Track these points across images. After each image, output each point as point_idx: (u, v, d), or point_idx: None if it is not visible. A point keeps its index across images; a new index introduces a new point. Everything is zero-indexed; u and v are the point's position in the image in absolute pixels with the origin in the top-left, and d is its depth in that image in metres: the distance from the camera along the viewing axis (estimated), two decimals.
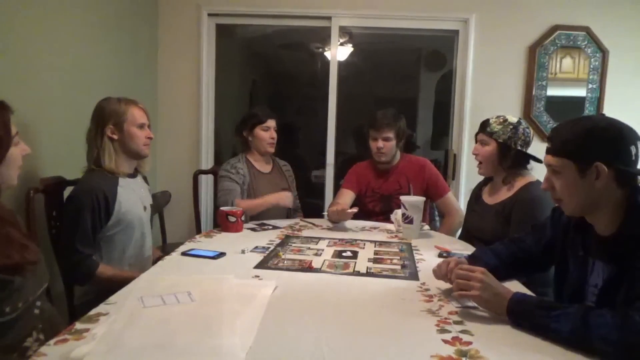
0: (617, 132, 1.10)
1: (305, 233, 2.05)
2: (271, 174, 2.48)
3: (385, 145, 2.38)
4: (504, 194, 1.88)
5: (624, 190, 1.12)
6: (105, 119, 1.74)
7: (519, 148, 1.86)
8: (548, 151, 1.19)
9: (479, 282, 1.15)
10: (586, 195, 1.13)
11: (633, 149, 1.08)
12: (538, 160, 1.87)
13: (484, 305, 1.15)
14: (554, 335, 1.00)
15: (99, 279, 1.66)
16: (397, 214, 2.23)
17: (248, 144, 2.45)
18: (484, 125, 1.93)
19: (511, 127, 1.86)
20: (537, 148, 1.95)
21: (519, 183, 1.85)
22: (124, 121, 1.75)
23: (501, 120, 1.89)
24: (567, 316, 1.00)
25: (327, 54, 3.36)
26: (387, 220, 2.30)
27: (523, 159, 1.88)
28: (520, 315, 1.08)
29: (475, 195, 2.08)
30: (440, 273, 1.35)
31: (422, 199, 2.04)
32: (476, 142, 1.98)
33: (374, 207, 2.48)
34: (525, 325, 1.06)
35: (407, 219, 1.99)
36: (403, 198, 2.01)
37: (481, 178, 2.11)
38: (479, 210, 2.00)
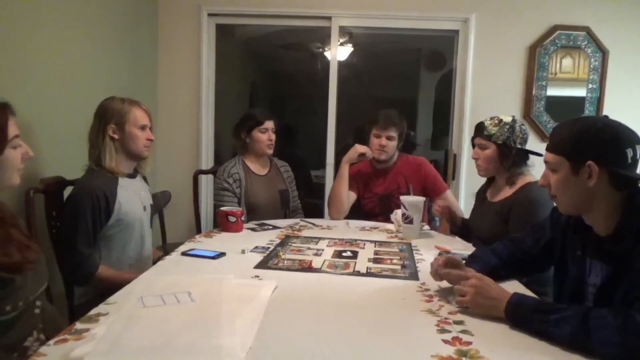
0: (613, 134, 1.09)
1: (305, 233, 2.05)
2: (268, 175, 2.47)
3: (388, 144, 2.39)
4: (505, 192, 1.88)
5: (622, 193, 1.11)
6: (107, 118, 1.74)
7: (519, 146, 1.86)
8: (547, 148, 1.21)
9: (472, 288, 1.15)
10: (579, 193, 1.14)
11: (629, 152, 1.07)
12: (538, 154, 1.87)
13: (480, 311, 1.14)
14: (554, 339, 1.00)
15: (99, 280, 1.66)
16: (397, 214, 2.23)
17: (246, 146, 2.43)
18: (480, 128, 1.93)
19: (507, 126, 1.86)
20: (537, 148, 1.95)
21: (520, 182, 1.86)
22: (125, 121, 1.75)
23: (496, 121, 1.88)
24: (566, 320, 1.00)
25: (327, 54, 3.36)
26: (387, 220, 2.30)
27: (523, 156, 1.88)
28: (518, 320, 1.08)
29: (480, 197, 2.08)
30: (431, 270, 1.36)
31: (422, 198, 2.04)
32: (473, 146, 1.99)
33: (373, 208, 2.49)
34: (524, 330, 1.06)
35: (407, 219, 1.99)
36: (403, 198, 2.01)
37: (482, 178, 2.10)
38: (481, 209, 2.00)
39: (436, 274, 1.33)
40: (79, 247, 1.64)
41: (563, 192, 1.18)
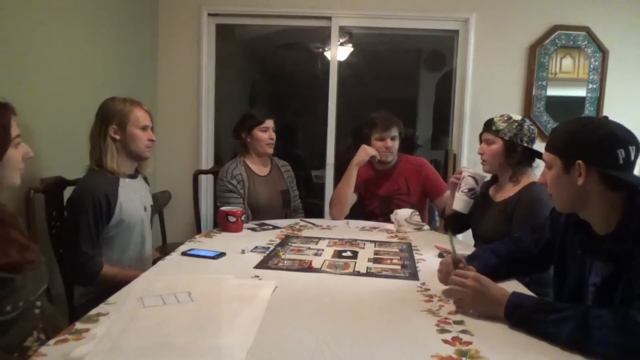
0: (604, 134, 1.10)
1: (305, 233, 2.05)
2: (269, 176, 2.46)
3: (393, 144, 2.40)
4: (509, 191, 1.88)
5: (619, 193, 1.11)
6: (108, 119, 1.73)
7: (525, 144, 1.86)
8: (545, 146, 1.23)
9: (471, 290, 1.15)
10: (570, 192, 1.15)
11: (621, 152, 1.07)
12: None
13: (479, 311, 1.15)
14: (553, 339, 1.00)
15: (104, 279, 1.66)
16: (396, 214, 2.23)
17: (246, 146, 2.43)
18: (489, 124, 1.93)
19: (516, 124, 1.86)
20: (536, 148, 1.95)
21: (524, 181, 1.85)
22: (127, 122, 1.74)
23: (505, 118, 1.89)
24: (566, 320, 1.00)
25: (327, 54, 3.36)
26: (388, 220, 2.30)
27: (529, 156, 1.88)
28: (518, 320, 1.08)
29: (482, 194, 2.07)
30: (443, 277, 1.35)
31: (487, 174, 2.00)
32: (480, 142, 1.98)
33: (374, 209, 2.49)
34: (523, 330, 1.06)
35: (473, 194, 1.95)
36: (474, 172, 1.96)
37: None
38: (483, 208, 2.00)
39: (445, 279, 1.33)
40: (83, 249, 1.64)
41: (556, 190, 1.19)
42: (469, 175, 1.96)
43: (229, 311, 1.13)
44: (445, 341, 1.01)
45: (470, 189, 1.97)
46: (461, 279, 1.19)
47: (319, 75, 3.66)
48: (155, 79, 3.16)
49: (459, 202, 1.98)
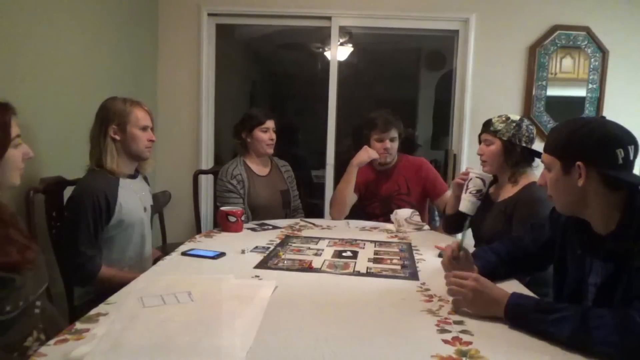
0: (603, 135, 1.10)
1: (305, 233, 2.05)
2: (269, 176, 2.46)
3: (392, 145, 2.39)
4: (509, 191, 1.88)
5: (619, 193, 1.11)
6: (109, 119, 1.73)
7: (524, 145, 1.86)
8: (543, 148, 1.23)
9: (471, 291, 1.15)
10: (570, 193, 1.15)
11: (620, 152, 1.07)
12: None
13: (479, 312, 1.15)
14: (553, 339, 1.00)
15: (101, 281, 1.66)
16: (396, 214, 2.23)
17: (246, 146, 2.43)
18: (487, 125, 1.93)
19: (514, 124, 1.86)
20: (536, 148, 1.95)
21: (523, 182, 1.85)
22: (127, 122, 1.74)
23: (504, 118, 1.89)
24: (565, 320, 1.00)
25: (327, 54, 3.36)
26: (388, 221, 2.30)
27: (528, 156, 1.88)
28: (518, 321, 1.08)
29: None
30: (446, 260, 1.40)
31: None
32: (480, 142, 1.98)
33: (374, 210, 2.49)
34: (523, 330, 1.06)
35: (481, 195, 1.93)
36: (481, 173, 1.94)
37: None
38: (483, 208, 1.99)
39: (449, 264, 1.37)
40: (81, 249, 1.64)
41: (556, 192, 1.19)
42: (477, 177, 1.95)
43: (229, 311, 1.13)
44: (445, 341, 1.01)
45: (478, 190, 1.96)
46: (460, 280, 1.19)
47: (319, 75, 3.67)
48: (155, 79, 3.16)
49: (466, 204, 1.98)
